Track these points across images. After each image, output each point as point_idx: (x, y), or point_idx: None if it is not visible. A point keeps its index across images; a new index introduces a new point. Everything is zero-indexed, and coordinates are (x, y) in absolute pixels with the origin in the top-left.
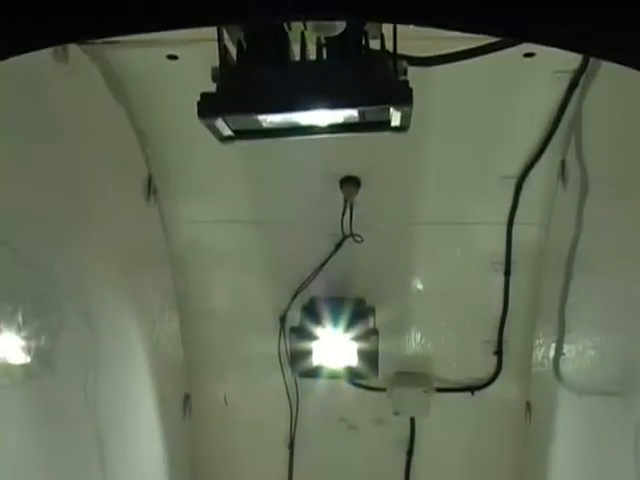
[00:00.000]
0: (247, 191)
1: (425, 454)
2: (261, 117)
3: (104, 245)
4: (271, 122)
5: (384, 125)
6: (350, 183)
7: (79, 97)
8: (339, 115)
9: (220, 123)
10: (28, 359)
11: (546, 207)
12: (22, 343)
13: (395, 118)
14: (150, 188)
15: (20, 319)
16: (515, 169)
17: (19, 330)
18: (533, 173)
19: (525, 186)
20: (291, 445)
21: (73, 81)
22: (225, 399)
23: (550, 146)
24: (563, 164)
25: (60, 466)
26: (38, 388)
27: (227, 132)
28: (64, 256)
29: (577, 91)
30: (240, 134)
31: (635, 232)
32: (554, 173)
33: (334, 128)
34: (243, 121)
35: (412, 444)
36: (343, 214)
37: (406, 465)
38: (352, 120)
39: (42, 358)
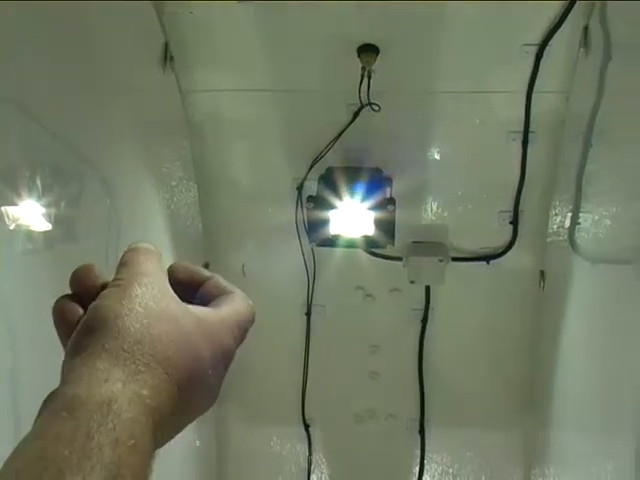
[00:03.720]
0: (264, 60)
1: (440, 322)
2: None
3: (122, 115)
4: None
5: None
6: (368, 51)
7: None
8: None
9: None
10: (49, 226)
11: (567, 75)
12: (43, 210)
13: None
14: (166, 56)
15: (40, 186)
16: (536, 36)
17: (39, 197)
18: (555, 40)
19: (546, 54)
20: (308, 313)
21: None
22: (243, 268)
23: (573, 12)
24: (586, 30)
25: None
26: (59, 255)
27: None
28: (83, 125)
29: None
30: None
31: None
32: (576, 40)
33: None
34: None
35: (427, 312)
36: (361, 83)
37: (421, 332)
38: None
39: (63, 226)
